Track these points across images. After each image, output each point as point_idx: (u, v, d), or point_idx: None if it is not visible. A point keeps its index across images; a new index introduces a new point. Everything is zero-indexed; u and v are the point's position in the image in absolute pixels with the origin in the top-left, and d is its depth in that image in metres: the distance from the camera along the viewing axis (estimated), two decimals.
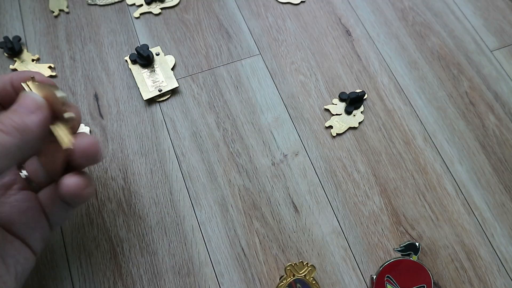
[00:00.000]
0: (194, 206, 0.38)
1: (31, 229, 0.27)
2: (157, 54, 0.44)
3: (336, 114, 0.42)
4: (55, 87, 0.27)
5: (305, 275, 0.34)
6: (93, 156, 0.26)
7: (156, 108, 0.42)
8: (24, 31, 0.46)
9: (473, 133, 0.42)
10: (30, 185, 0.29)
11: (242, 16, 0.48)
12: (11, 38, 0.44)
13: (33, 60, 0.44)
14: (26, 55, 0.44)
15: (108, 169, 0.39)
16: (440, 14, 0.49)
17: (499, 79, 0.45)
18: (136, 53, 0.43)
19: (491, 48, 0.47)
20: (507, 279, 0.36)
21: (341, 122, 0.42)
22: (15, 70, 0.43)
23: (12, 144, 0.22)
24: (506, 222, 0.38)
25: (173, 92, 0.43)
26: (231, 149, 0.40)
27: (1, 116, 0.23)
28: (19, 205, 0.27)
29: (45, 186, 0.29)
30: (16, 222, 0.27)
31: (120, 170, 0.39)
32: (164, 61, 0.44)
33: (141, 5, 0.48)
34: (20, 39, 0.44)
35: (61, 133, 0.25)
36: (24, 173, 0.29)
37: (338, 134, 0.42)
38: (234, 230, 0.37)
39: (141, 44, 0.45)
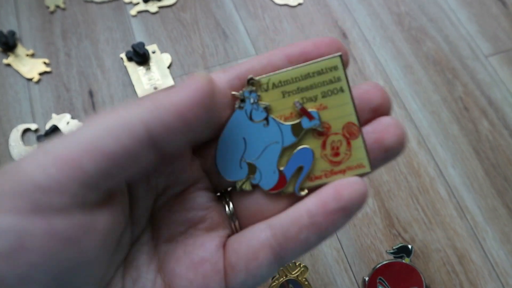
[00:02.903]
0: None
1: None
2: (153, 52, 0.44)
3: None
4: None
5: (297, 276, 0.34)
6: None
7: None
8: (19, 26, 0.45)
9: (467, 138, 0.43)
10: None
11: (239, 17, 0.48)
12: (5, 33, 0.44)
13: (27, 55, 0.43)
14: (20, 50, 0.44)
15: None
16: (435, 19, 0.49)
17: (493, 85, 0.45)
18: (132, 50, 0.43)
19: (485, 54, 0.47)
20: (498, 283, 0.36)
21: None
22: (8, 65, 0.43)
23: (134, 115, 0.14)
24: (498, 226, 0.39)
25: None
26: None
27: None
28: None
29: None
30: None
31: None
32: (160, 59, 0.44)
33: (138, 3, 0.48)
34: (14, 33, 0.44)
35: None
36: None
37: None
38: None
39: (137, 41, 0.45)
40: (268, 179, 0.19)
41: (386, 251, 0.37)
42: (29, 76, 0.42)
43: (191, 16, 0.48)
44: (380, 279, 0.35)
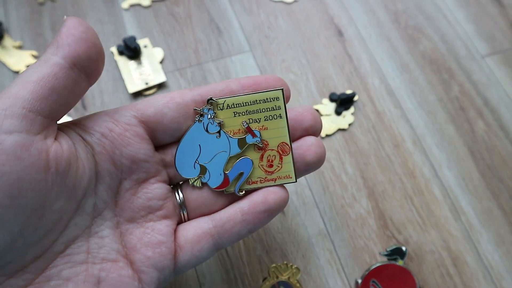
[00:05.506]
0: None
1: None
2: (145, 47, 0.43)
3: (326, 115, 0.42)
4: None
5: (289, 278, 0.34)
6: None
7: None
8: (6, 17, 0.44)
9: (462, 138, 0.42)
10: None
11: (234, 12, 0.47)
12: None
13: (14, 47, 0.42)
14: (7, 41, 0.42)
15: None
16: (432, 18, 0.49)
17: (489, 85, 0.45)
18: (123, 44, 0.42)
19: (482, 54, 0.47)
20: (492, 286, 0.36)
21: (330, 123, 0.41)
22: None
23: (48, 53, 0.19)
24: (493, 228, 0.38)
25: (160, 86, 0.42)
26: None
27: None
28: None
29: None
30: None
31: None
32: (151, 54, 0.43)
33: None
34: (1, 24, 0.42)
35: None
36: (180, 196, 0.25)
37: (327, 135, 0.41)
38: None
39: (128, 35, 0.44)
40: (215, 180, 0.23)
41: (379, 253, 0.36)
42: (16, 69, 0.41)
43: (184, 10, 0.46)
44: (373, 281, 0.34)
